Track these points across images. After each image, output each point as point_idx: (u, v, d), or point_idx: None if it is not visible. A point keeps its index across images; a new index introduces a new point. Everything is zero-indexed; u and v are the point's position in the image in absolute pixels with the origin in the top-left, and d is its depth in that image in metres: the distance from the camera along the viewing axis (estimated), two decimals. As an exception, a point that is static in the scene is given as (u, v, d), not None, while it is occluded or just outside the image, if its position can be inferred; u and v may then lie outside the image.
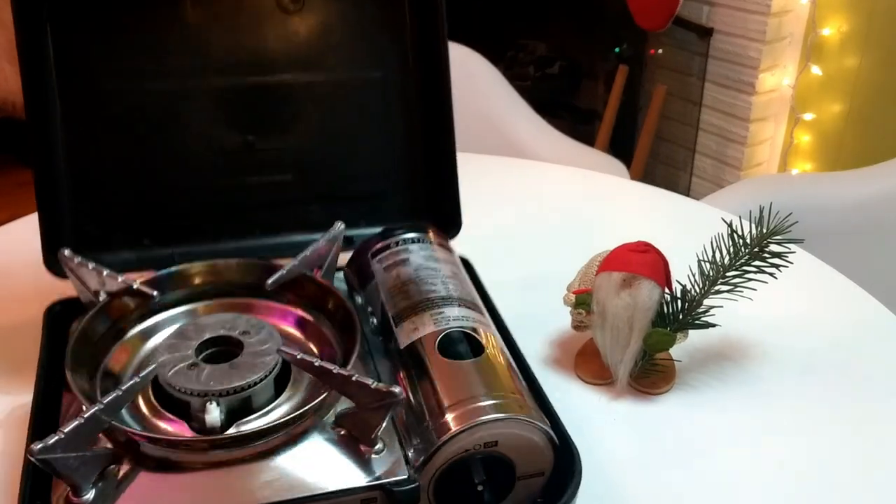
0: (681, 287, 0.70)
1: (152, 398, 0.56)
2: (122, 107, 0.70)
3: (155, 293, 0.62)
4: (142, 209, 0.72)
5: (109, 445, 0.51)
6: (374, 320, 0.64)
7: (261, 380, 0.54)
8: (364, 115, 0.77)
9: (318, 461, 0.52)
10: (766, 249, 0.68)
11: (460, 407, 0.52)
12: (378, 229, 0.70)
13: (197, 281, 0.65)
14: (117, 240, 0.69)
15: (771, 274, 0.67)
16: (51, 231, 0.66)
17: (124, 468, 0.49)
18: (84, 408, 0.48)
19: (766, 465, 0.63)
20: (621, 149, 2.30)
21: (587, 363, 0.72)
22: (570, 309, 0.72)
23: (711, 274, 0.69)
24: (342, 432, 0.53)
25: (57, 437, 0.46)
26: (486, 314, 0.63)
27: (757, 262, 0.68)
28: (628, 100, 2.39)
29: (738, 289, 0.68)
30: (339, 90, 0.75)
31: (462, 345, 0.58)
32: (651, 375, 0.70)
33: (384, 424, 0.52)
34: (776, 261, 0.67)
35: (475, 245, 0.95)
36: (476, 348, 0.58)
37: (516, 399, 0.53)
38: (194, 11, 0.69)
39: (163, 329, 0.63)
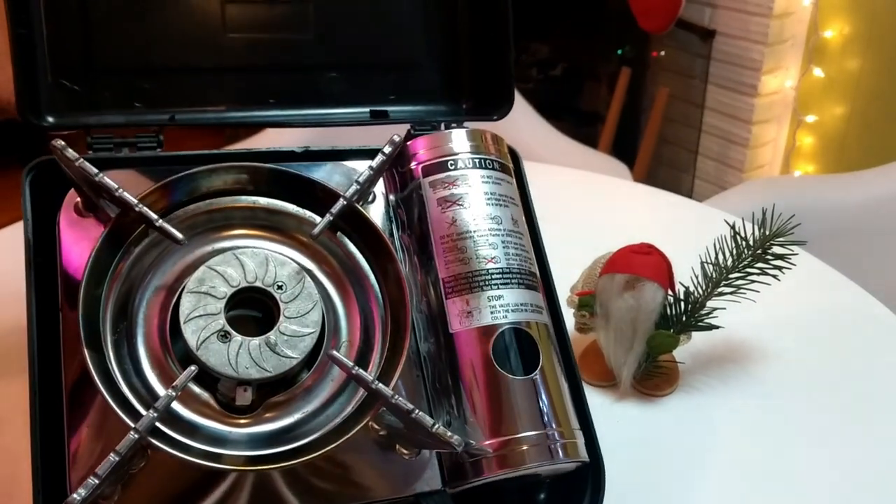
0: (684, 289, 0.70)
1: (174, 357, 0.50)
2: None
3: (181, 237, 0.50)
4: (135, 66, 0.61)
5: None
6: (413, 244, 0.58)
7: (297, 363, 0.50)
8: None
9: (354, 460, 0.50)
10: (769, 251, 0.68)
11: (507, 446, 0.50)
12: (410, 107, 0.64)
13: (222, 185, 0.54)
14: (104, 100, 0.59)
15: (774, 276, 0.67)
16: (26, 86, 0.56)
17: (145, 462, 0.47)
18: (126, 420, 0.44)
19: (770, 468, 0.63)
20: (624, 151, 2.30)
21: (590, 365, 0.72)
22: (573, 311, 0.72)
23: (714, 276, 0.69)
24: (382, 433, 0.51)
25: (93, 484, 0.43)
26: (541, 287, 0.58)
27: (760, 265, 0.68)
28: (631, 102, 2.39)
29: (741, 291, 0.68)
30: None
31: (516, 349, 0.54)
32: (654, 377, 0.70)
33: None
34: (779, 263, 0.67)
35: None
36: (530, 356, 0.54)
37: (565, 434, 0.52)
38: None
39: (185, 253, 0.52)
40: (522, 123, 1.64)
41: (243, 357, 0.48)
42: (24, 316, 0.65)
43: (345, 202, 0.53)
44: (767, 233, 0.68)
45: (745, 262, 0.68)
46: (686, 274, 0.70)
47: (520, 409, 0.52)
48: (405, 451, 0.51)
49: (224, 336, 0.48)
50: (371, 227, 0.54)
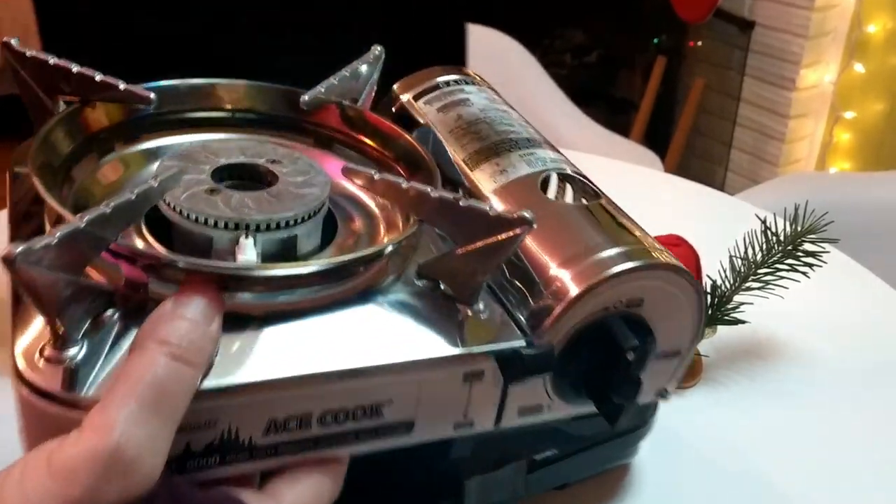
0: (711, 282, 0.69)
1: (149, 237, 0.39)
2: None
3: (152, 95, 0.45)
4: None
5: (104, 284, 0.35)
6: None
7: (312, 213, 0.39)
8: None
9: (402, 323, 0.37)
10: (800, 248, 0.67)
11: (587, 256, 0.39)
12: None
13: (201, 104, 0.49)
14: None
15: (804, 273, 0.66)
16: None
17: (122, 319, 0.34)
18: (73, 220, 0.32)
19: (791, 465, 0.62)
20: (657, 141, 2.28)
21: (613, 355, 0.71)
22: (598, 300, 0.71)
23: (743, 270, 0.68)
24: (430, 286, 0.39)
25: (46, 242, 0.30)
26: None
27: (790, 261, 0.67)
28: (666, 92, 2.37)
29: (770, 286, 0.67)
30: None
31: (565, 186, 0.45)
32: (677, 370, 0.69)
33: (493, 274, 0.39)
34: (810, 260, 0.66)
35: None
36: (583, 188, 0.45)
37: (655, 247, 0.41)
38: None
39: (161, 155, 0.46)
40: (554, 109, 1.63)
41: (239, 204, 0.39)
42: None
43: (333, 81, 0.49)
44: (799, 229, 0.67)
45: (775, 258, 0.67)
46: (714, 267, 0.69)
47: (591, 229, 0.42)
48: (470, 310, 0.38)
49: (212, 191, 0.39)
50: (365, 117, 0.49)
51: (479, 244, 0.36)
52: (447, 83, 0.53)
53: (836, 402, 0.69)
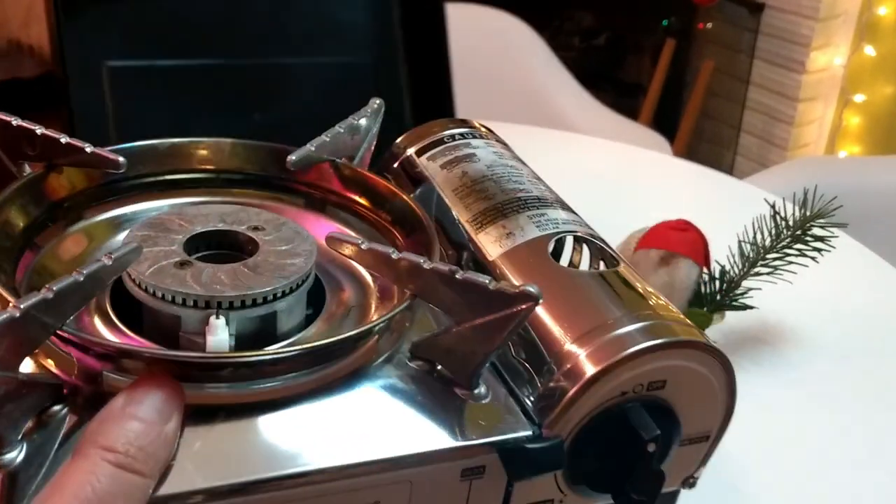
0: (719, 267, 0.69)
1: (112, 316, 0.36)
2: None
3: (121, 159, 0.40)
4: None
5: (51, 375, 0.32)
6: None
7: (293, 288, 0.36)
8: (353, 98, 0.65)
9: (390, 411, 0.34)
10: (809, 233, 0.67)
11: (603, 333, 0.35)
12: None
13: (182, 165, 0.45)
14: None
15: (812, 258, 0.66)
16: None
17: (71, 415, 0.31)
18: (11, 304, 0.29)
19: (798, 452, 0.62)
20: (665, 124, 2.27)
21: (620, 340, 0.71)
22: (605, 284, 0.71)
23: (751, 255, 0.68)
24: (425, 368, 0.36)
25: None
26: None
27: (798, 246, 0.67)
28: (674, 74, 2.36)
29: (778, 271, 0.67)
30: (330, 73, 0.74)
31: (579, 250, 0.43)
32: (684, 355, 0.69)
33: (494, 354, 0.35)
34: (818, 245, 0.66)
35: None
36: (599, 254, 0.42)
37: (678, 320, 0.37)
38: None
39: (131, 222, 0.42)
40: (561, 93, 1.63)
41: (210, 279, 0.35)
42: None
43: (325, 139, 0.45)
44: (808, 213, 0.67)
45: (784, 243, 0.67)
46: (722, 252, 0.69)
47: (607, 300, 0.38)
48: (470, 394, 0.35)
49: (182, 265, 0.35)
50: (360, 176, 0.45)
51: (479, 322, 0.33)
52: (452, 137, 0.50)
53: (844, 387, 0.69)
